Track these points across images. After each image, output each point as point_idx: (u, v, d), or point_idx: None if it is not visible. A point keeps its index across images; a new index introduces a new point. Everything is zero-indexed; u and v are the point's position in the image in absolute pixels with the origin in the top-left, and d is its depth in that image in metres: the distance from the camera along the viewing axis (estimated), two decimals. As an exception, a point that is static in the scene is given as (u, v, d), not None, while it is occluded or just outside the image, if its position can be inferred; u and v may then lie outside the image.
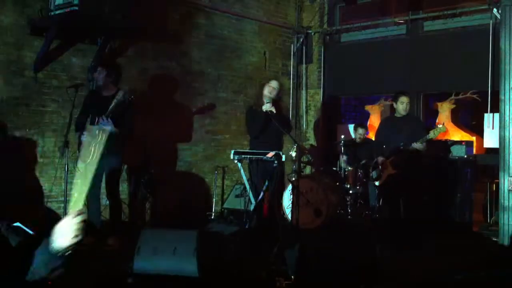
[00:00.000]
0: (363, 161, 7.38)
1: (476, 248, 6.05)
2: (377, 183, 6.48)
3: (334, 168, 7.72)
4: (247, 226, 6.01)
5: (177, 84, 7.63)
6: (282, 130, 5.77)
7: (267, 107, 5.84)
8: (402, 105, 6.25)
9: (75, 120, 5.69)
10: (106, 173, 5.56)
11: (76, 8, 5.62)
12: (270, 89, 6.08)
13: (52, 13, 5.91)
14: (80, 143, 5.49)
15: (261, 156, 5.91)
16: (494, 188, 6.85)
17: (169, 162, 7.59)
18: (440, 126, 6.16)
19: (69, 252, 1.75)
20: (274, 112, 5.83)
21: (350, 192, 7.34)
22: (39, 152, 6.29)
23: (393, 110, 6.80)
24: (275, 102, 5.99)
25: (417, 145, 5.97)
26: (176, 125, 7.58)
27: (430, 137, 5.99)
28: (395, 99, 6.33)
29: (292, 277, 4.22)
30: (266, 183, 5.85)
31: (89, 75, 6.47)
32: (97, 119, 5.40)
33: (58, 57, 6.38)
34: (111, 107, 5.38)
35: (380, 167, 6.30)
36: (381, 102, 9.69)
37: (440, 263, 5.21)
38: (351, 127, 8.58)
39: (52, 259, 1.74)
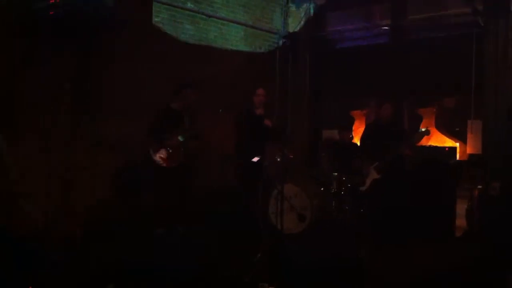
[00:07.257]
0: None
1: (459, 251, 6.09)
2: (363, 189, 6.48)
3: (318, 173, 7.70)
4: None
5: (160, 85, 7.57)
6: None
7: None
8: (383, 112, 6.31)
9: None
10: None
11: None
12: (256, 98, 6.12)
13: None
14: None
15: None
16: (476, 194, 6.89)
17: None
18: (424, 129, 6.20)
19: None
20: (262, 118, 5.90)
21: (335, 196, 7.31)
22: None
23: (377, 116, 6.84)
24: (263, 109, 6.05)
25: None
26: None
27: (413, 141, 6.03)
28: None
29: (276, 282, 4.20)
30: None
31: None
32: None
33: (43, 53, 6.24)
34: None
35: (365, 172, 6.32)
36: (367, 107, 9.72)
37: (424, 264, 5.22)
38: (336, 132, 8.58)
39: None
